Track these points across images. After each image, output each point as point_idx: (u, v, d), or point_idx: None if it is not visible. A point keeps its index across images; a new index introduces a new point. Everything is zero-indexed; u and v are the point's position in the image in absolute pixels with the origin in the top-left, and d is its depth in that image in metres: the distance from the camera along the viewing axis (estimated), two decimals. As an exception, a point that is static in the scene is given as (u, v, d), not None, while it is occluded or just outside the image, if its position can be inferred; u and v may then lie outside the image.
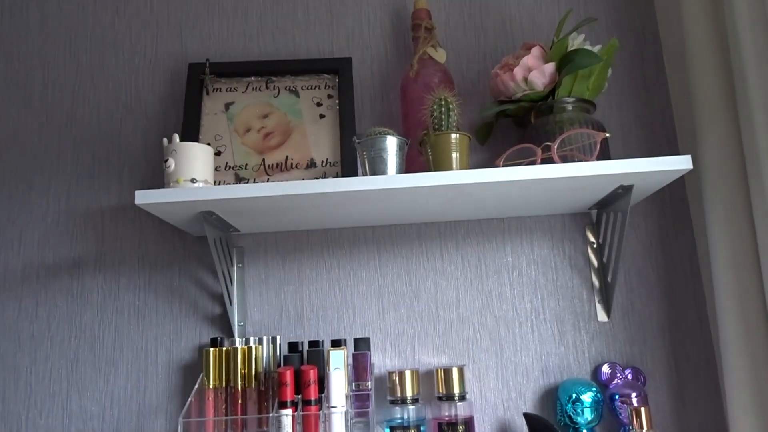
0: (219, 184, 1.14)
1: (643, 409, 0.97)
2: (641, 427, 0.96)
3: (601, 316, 1.15)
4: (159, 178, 1.22)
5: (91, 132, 1.25)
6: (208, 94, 1.20)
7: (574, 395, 1.05)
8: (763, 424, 0.94)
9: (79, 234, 1.21)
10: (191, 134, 1.15)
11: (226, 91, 1.21)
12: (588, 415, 1.03)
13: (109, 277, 1.19)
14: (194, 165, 0.97)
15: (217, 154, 1.16)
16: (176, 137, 0.98)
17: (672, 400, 1.12)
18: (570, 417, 1.04)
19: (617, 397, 1.06)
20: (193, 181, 0.97)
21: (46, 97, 1.27)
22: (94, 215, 1.21)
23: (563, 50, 1.04)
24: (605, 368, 1.11)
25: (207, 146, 1.00)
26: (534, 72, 1.05)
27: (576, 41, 1.06)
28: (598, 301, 1.16)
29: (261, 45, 1.29)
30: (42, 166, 1.24)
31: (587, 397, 1.04)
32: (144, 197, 0.93)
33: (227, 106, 1.20)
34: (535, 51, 1.07)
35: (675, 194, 1.20)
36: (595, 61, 1.00)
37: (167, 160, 0.97)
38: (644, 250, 1.18)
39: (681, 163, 0.93)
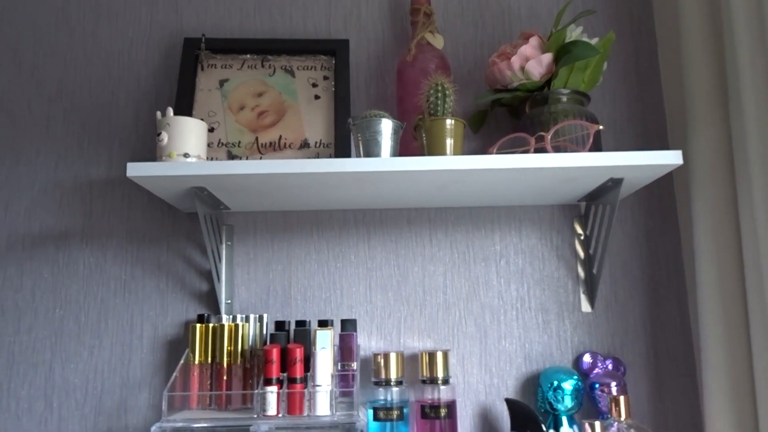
0: (211, 160, 1.13)
1: (622, 398, 0.99)
2: (620, 416, 0.98)
3: (585, 306, 1.17)
4: (150, 152, 1.21)
5: (82, 102, 1.24)
6: (202, 69, 1.19)
7: (555, 383, 1.06)
8: (738, 418, 0.97)
9: (66, 205, 1.20)
10: (184, 109, 1.14)
11: (221, 67, 1.20)
12: (568, 402, 1.05)
13: (96, 250, 1.18)
14: (188, 140, 0.97)
15: (210, 130, 1.15)
16: (170, 111, 0.97)
17: (650, 391, 1.14)
18: (550, 404, 1.06)
19: (597, 385, 1.08)
20: (186, 155, 0.96)
21: (37, 65, 1.25)
22: (82, 187, 1.20)
23: (561, 41, 1.05)
24: (586, 357, 1.13)
25: (201, 121, 1.00)
26: (531, 61, 1.05)
27: (574, 33, 1.06)
28: (583, 292, 1.17)
29: (258, 22, 1.27)
30: (30, 135, 1.22)
31: (568, 385, 1.06)
32: (136, 170, 0.92)
33: (222, 82, 1.19)
34: (533, 41, 1.07)
35: (663, 190, 1.21)
36: (592, 54, 1.01)
37: (160, 133, 0.96)
38: (630, 243, 1.20)
39: (672, 158, 0.94)
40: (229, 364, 1.05)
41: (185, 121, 0.97)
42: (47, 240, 1.18)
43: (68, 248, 1.18)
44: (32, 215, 1.19)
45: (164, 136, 0.96)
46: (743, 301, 0.99)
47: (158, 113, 0.98)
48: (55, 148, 1.22)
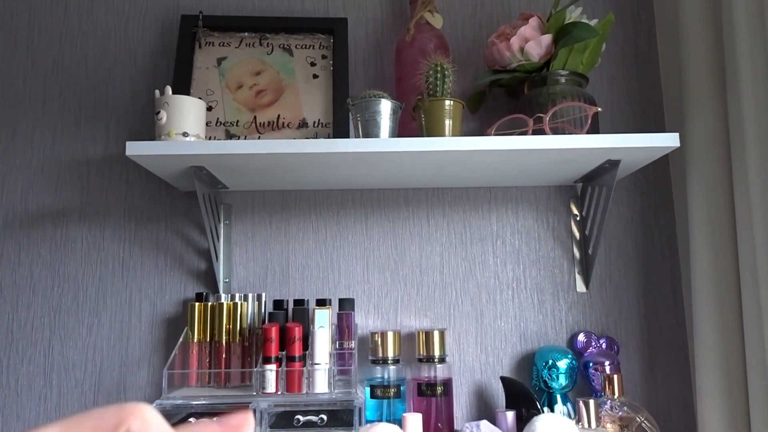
0: (210, 139, 1.13)
1: (615, 376, 1.00)
2: (613, 394, 1.00)
3: (580, 286, 1.18)
4: (147, 130, 1.21)
5: (79, 80, 1.23)
6: (200, 47, 1.18)
7: (550, 361, 1.08)
8: (729, 396, 0.99)
9: (63, 183, 1.19)
10: (182, 88, 1.13)
11: (219, 45, 1.19)
12: (563, 380, 1.07)
13: (93, 228, 1.18)
14: (186, 118, 0.96)
15: (208, 109, 1.15)
16: (168, 89, 0.97)
17: (643, 370, 1.16)
18: (545, 382, 1.08)
19: (591, 364, 1.10)
20: (185, 134, 0.96)
21: (32, 41, 1.24)
22: (79, 165, 1.20)
23: (561, 22, 1.05)
24: (581, 337, 1.14)
25: (200, 100, 0.99)
26: (530, 42, 1.05)
27: (574, 14, 1.06)
28: (578, 272, 1.19)
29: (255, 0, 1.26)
30: (26, 112, 1.21)
31: (563, 364, 1.07)
32: (135, 149, 0.92)
33: (219, 61, 1.18)
34: (533, 21, 1.07)
35: (659, 172, 1.22)
36: (592, 35, 1.01)
37: (159, 112, 0.96)
38: (625, 224, 1.21)
39: (669, 140, 0.95)
40: (227, 343, 1.06)
41: (184, 99, 0.97)
42: (45, 218, 1.18)
43: (66, 226, 1.18)
44: (29, 193, 1.19)
45: (163, 115, 0.95)
46: (737, 283, 1.00)
47: (156, 92, 0.98)
48: (52, 125, 1.21)
